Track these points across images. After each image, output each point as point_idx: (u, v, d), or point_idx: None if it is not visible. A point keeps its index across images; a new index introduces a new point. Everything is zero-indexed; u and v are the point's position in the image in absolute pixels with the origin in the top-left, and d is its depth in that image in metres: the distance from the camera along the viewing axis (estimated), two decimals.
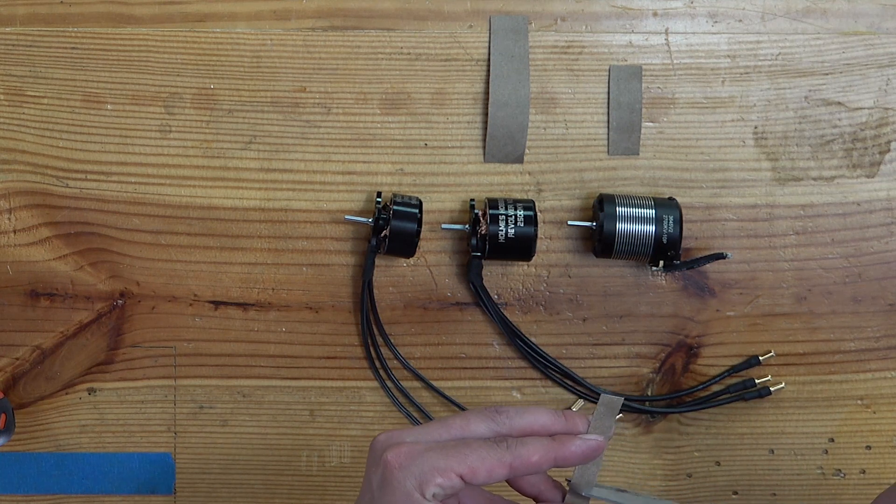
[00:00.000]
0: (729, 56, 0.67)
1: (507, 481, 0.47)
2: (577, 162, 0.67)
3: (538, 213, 0.66)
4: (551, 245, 0.67)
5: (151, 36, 0.66)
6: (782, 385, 0.67)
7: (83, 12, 0.66)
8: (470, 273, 0.66)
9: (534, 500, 0.48)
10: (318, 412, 0.68)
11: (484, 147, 0.67)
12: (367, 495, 0.46)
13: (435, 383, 0.67)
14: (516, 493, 0.48)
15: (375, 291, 0.67)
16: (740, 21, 0.67)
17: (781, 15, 0.67)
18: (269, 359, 0.68)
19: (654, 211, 0.63)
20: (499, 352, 0.68)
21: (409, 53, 0.67)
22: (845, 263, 0.67)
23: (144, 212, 0.67)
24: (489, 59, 0.66)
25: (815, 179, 0.67)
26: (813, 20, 0.67)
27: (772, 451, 0.68)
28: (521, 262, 0.67)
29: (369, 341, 0.67)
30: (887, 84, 0.67)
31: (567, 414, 0.47)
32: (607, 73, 0.67)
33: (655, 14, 0.67)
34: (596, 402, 0.67)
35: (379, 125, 0.67)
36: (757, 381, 0.67)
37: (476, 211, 0.65)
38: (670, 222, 0.63)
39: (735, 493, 0.69)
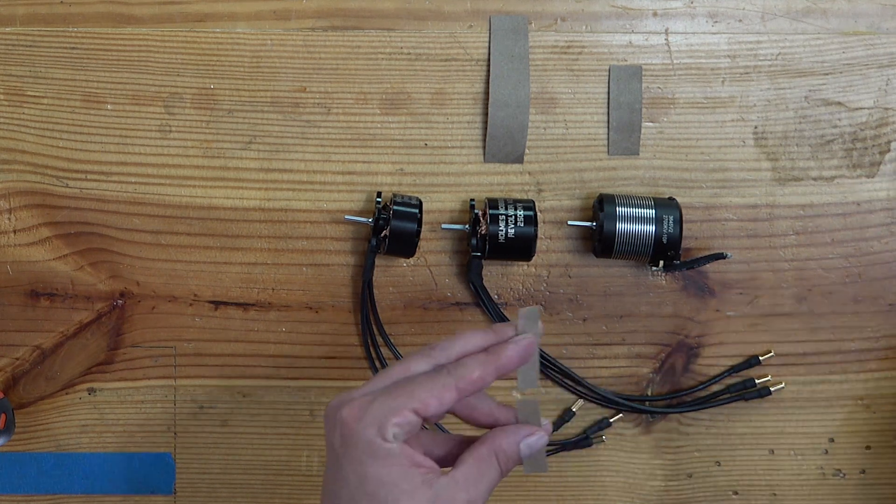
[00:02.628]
0: (729, 56, 0.67)
1: (465, 420, 0.49)
2: (577, 162, 0.67)
3: (538, 213, 0.66)
4: (551, 245, 0.67)
5: (151, 36, 0.66)
6: (782, 385, 0.67)
7: (83, 12, 0.66)
8: (470, 273, 0.66)
9: (492, 427, 0.49)
10: (318, 412, 0.68)
11: (484, 147, 0.67)
12: (333, 460, 0.46)
13: None
14: (478, 430, 0.49)
15: (375, 291, 0.67)
16: (740, 21, 0.67)
17: (781, 15, 0.67)
18: (269, 359, 0.68)
19: (654, 211, 0.63)
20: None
21: (409, 53, 0.67)
22: (845, 263, 0.67)
23: (144, 212, 0.67)
24: (489, 59, 0.66)
25: (815, 179, 0.67)
26: (813, 20, 0.67)
27: (772, 451, 0.68)
28: (521, 262, 0.67)
29: (369, 341, 0.67)
30: (887, 84, 0.67)
31: (494, 327, 0.49)
32: (607, 73, 0.67)
33: (655, 14, 0.67)
34: (597, 404, 0.68)
35: (379, 125, 0.67)
36: (757, 381, 0.67)
37: (476, 211, 0.65)
38: (670, 222, 0.63)
39: (735, 493, 0.69)
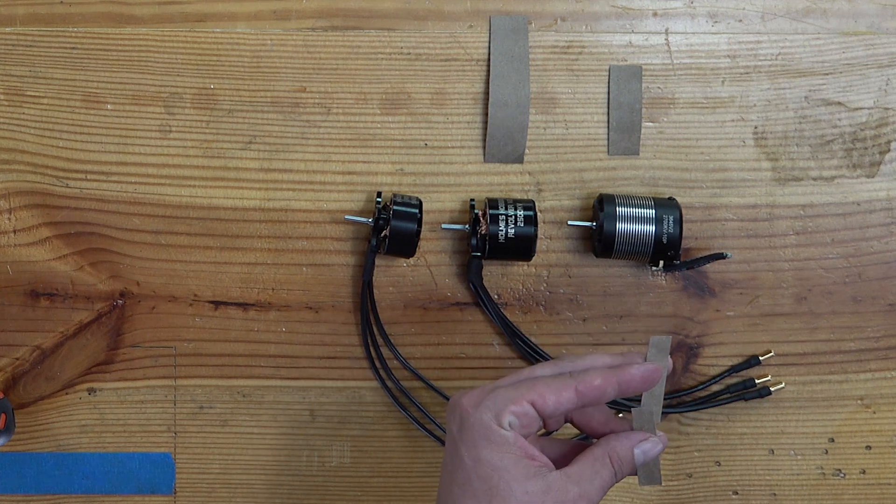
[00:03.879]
0: (729, 56, 0.67)
1: (581, 429, 0.50)
2: (577, 162, 0.67)
3: (538, 213, 0.66)
4: (551, 245, 0.67)
5: (151, 36, 0.66)
6: (782, 385, 0.67)
7: (83, 12, 0.66)
8: (470, 273, 0.66)
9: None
10: (318, 412, 0.68)
11: (484, 147, 0.67)
12: (451, 446, 0.48)
13: (435, 383, 0.67)
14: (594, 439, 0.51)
15: (375, 291, 0.67)
16: (740, 21, 0.67)
17: (781, 15, 0.67)
18: (269, 359, 0.68)
19: (654, 211, 0.63)
20: (499, 352, 0.68)
21: (409, 53, 0.67)
22: (845, 263, 0.67)
23: (144, 212, 0.67)
24: (489, 59, 0.66)
25: (815, 179, 0.67)
26: (813, 20, 0.67)
27: (772, 451, 0.68)
28: (521, 262, 0.67)
29: (369, 341, 0.67)
30: (887, 84, 0.67)
31: (624, 353, 0.50)
32: (607, 73, 0.67)
33: (655, 14, 0.67)
34: None
35: (379, 125, 0.67)
36: (757, 381, 0.67)
37: (476, 211, 0.65)
38: (670, 222, 0.63)
39: (735, 493, 0.69)
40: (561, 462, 0.49)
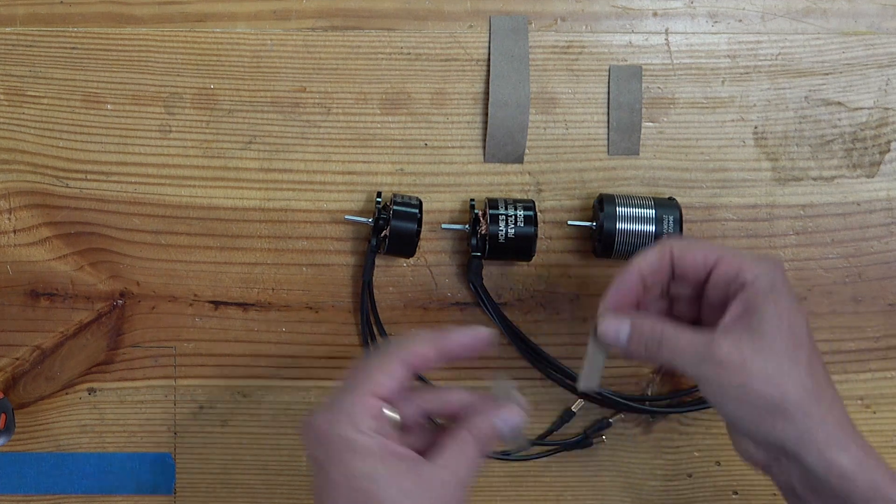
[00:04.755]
0: (729, 56, 0.67)
1: (446, 417, 0.51)
2: (577, 162, 0.67)
3: (538, 213, 0.66)
4: (551, 245, 0.67)
5: (151, 36, 0.66)
6: None
7: (83, 12, 0.66)
8: (470, 273, 0.66)
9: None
10: None
11: (484, 147, 0.67)
12: (318, 471, 0.48)
13: (435, 383, 0.67)
14: None
15: (375, 291, 0.67)
16: (740, 21, 0.67)
17: (781, 15, 0.67)
18: (269, 359, 0.68)
19: (654, 211, 0.63)
20: (499, 352, 0.68)
21: (409, 53, 0.67)
22: (845, 263, 0.67)
23: (144, 212, 0.67)
24: (489, 59, 0.66)
25: (815, 179, 0.67)
26: (813, 20, 0.67)
27: None
28: (521, 262, 0.67)
29: (369, 341, 0.67)
30: (887, 84, 0.67)
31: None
32: (607, 73, 0.67)
33: (655, 14, 0.67)
34: (597, 404, 0.68)
35: (379, 125, 0.67)
36: None
37: (476, 211, 0.65)
38: (670, 222, 0.63)
39: (735, 493, 0.69)
40: (428, 450, 0.49)
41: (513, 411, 0.50)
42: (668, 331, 0.51)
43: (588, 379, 0.55)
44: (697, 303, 0.54)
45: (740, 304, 0.51)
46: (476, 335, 0.51)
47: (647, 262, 0.53)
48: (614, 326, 0.53)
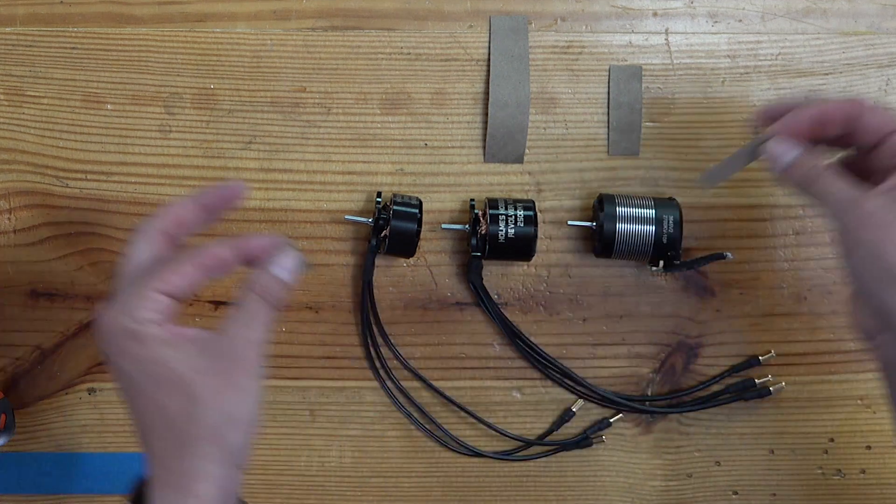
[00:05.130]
0: (729, 56, 0.67)
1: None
2: (577, 162, 0.67)
3: (538, 213, 0.66)
4: (551, 245, 0.67)
5: (151, 36, 0.66)
6: (782, 385, 0.67)
7: (83, 12, 0.66)
8: (470, 273, 0.66)
9: None
10: (318, 412, 0.68)
11: (484, 147, 0.67)
12: (112, 370, 0.47)
13: (435, 383, 0.67)
14: None
15: (375, 291, 0.67)
16: (740, 21, 0.67)
17: (781, 15, 0.67)
18: (270, 359, 0.68)
19: (654, 211, 0.63)
20: (499, 352, 0.68)
21: (409, 53, 0.67)
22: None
23: (144, 212, 0.67)
24: (489, 59, 0.66)
25: None
26: (813, 20, 0.67)
27: (772, 451, 0.68)
28: (521, 262, 0.67)
29: (369, 341, 0.67)
30: (887, 84, 0.67)
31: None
32: (607, 73, 0.67)
33: (655, 14, 0.67)
34: (597, 404, 0.68)
35: (379, 125, 0.67)
36: (757, 381, 0.67)
37: (476, 211, 0.65)
38: (670, 222, 0.63)
39: (735, 493, 0.69)
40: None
41: (287, 254, 0.50)
42: (830, 171, 0.53)
43: (713, 176, 0.56)
44: (856, 169, 0.55)
45: None
46: (273, 238, 0.50)
47: (835, 104, 0.54)
48: (785, 147, 0.54)
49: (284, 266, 0.50)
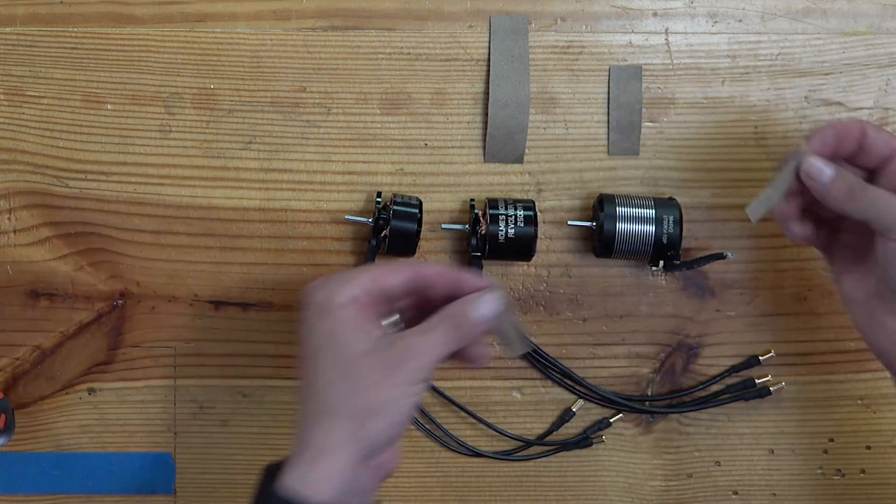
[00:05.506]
0: (729, 56, 0.67)
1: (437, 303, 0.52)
2: (577, 162, 0.67)
3: (538, 213, 0.66)
4: (551, 245, 0.67)
5: (151, 36, 0.66)
6: (782, 385, 0.67)
7: (83, 12, 0.66)
8: None
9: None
10: None
11: (484, 147, 0.67)
12: (302, 332, 0.50)
13: (435, 383, 0.67)
14: None
15: None
16: (740, 21, 0.67)
17: (781, 15, 0.67)
18: (269, 359, 0.68)
19: (654, 211, 0.63)
20: (499, 352, 0.68)
21: (409, 53, 0.67)
22: None
23: (144, 212, 0.67)
24: (489, 59, 0.66)
25: None
26: (813, 20, 0.67)
27: (772, 451, 0.68)
28: (521, 262, 0.67)
29: None
30: (887, 84, 0.67)
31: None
32: (607, 73, 0.67)
33: (655, 14, 0.67)
34: (597, 404, 0.68)
35: (379, 125, 0.67)
36: (757, 381, 0.67)
37: (476, 211, 0.65)
38: (670, 222, 0.63)
39: (735, 493, 0.69)
40: None
41: (491, 302, 0.51)
42: (877, 189, 0.53)
43: (758, 206, 0.56)
44: None
45: None
46: (491, 285, 0.52)
47: (846, 121, 0.55)
48: (821, 164, 0.54)
49: (485, 312, 0.51)
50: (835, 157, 0.55)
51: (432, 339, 0.50)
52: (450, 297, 0.51)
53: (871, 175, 0.56)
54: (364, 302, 0.50)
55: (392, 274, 0.51)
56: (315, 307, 0.50)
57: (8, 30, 0.66)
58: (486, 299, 0.51)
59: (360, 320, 0.49)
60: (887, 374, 0.68)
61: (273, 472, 0.49)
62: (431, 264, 0.53)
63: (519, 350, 0.53)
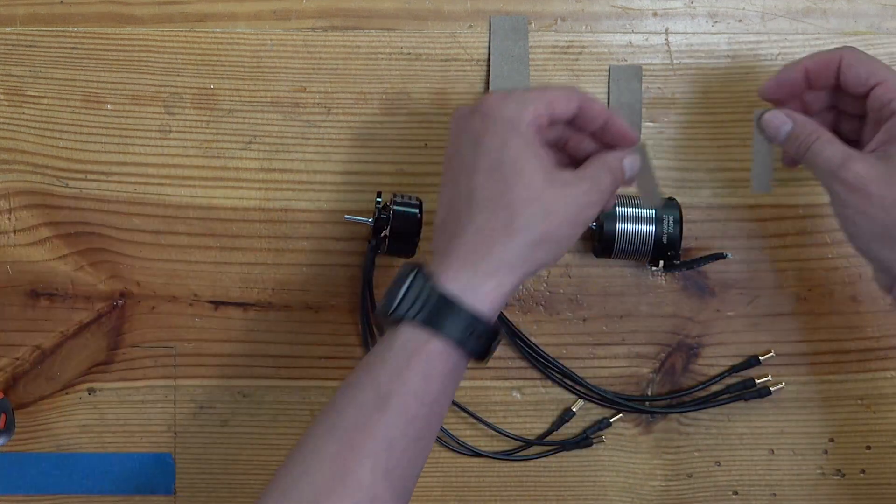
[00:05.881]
0: (729, 56, 0.67)
1: (575, 157, 0.56)
2: None
3: None
4: None
5: (151, 36, 0.66)
6: (782, 385, 0.67)
7: (83, 12, 0.66)
8: None
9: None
10: (318, 412, 0.68)
11: None
12: (469, 141, 0.52)
13: None
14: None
15: (375, 291, 0.67)
16: (740, 21, 0.67)
17: (781, 15, 0.67)
18: (269, 359, 0.68)
19: (654, 211, 0.63)
20: (499, 352, 0.67)
21: (409, 53, 0.67)
22: (845, 263, 0.67)
23: (144, 212, 0.67)
24: (489, 59, 0.66)
25: (815, 179, 0.67)
26: (813, 20, 0.67)
27: (772, 451, 0.68)
28: None
29: (369, 341, 0.67)
30: None
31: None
32: (607, 73, 0.67)
33: (655, 14, 0.67)
34: (597, 404, 0.68)
35: (379, 125, 0.67)
36: (757, 381, 0.67)
37: None
38: (670, 222, 0.63)
39: (735, 493, 0.69)
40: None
41: (635, 161, 0.55)
42: (822, 140, 0.55)
43: (760, 179, 0.59)
44: (861, 123, 0.57)
45: (886, 131, 0.54)
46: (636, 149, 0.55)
47: (814, 59, 0.57)
48: (779, 121, 0.57)
49: (633, 166, 0.55)
50: (816, 98, 0.58)
51: (599, 185, 0.53)
52: (595, 135, 0.55)
53: (860, 100, 0.57)
54: (541, 125, 0.51)
55: (565, 101, 0.52)
56: (503, 122, 0.51)
57: (8, 30, 0.66)
58: (635, 155, 0.55)
59: (540, 144, 0.51)
60: (887, 374, 0.68)
61: (417, 270, 0.50)
62: (593, 98, 0.54)
63: (657, 202, 0.58)
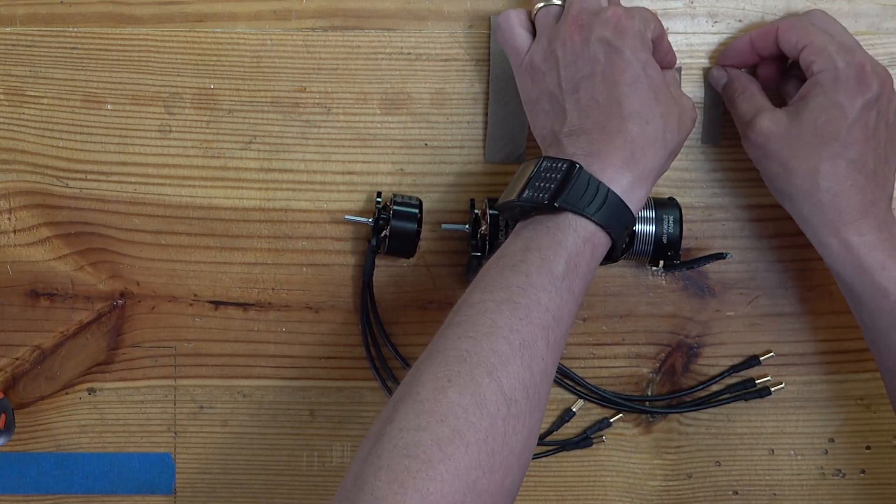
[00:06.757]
0: None
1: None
2: None
3: None
4: None
5: (151, 36, 0.66)
6: (782, 385, 0.67)
7: (83, 12, 0.66)
8: (470, 273, 0.65)
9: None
10: (318, 412, 0.68)
11: (484, 147, 0.67)
12: (609, 52, 0.55)
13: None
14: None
15: (375, 291, 0.67)
16: (740, 21, 0.67)
17: (781, 15, 0.67)
18: (269, 359, 0.68)
19: (653, 211, 0.63)
20: None
21: (409, 53, 0.67)
22: None
23: (144, 212, 0.67)
24: (489, 59, 0.66)
25: None
26: None
27: (772, 451, 0.68)
28: None
29: (369, 341, 0.67)
30: None
31: None
32: None
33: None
34: (597, 404, 0.68)
35: (379, 125, 0.67)
36: (757, 381, 0.67)
37: (476, 211, 0.65)
38: (670, 222, 0.63)
39: (735, 493, 0.69)
40: None
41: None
42: (745, 93, 0.61)
43: (710, 132, 0.66)
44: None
45: (803, 89, 0.59)
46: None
47: (756, 32, 0.62)
48: (718, 74, 0.64)
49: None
50: (767, 62, 0.63)
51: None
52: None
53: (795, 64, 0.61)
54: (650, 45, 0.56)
55: (659, 22, 0.58)
56: (637, 36, 0.55)
57: (8, 30, 0.66)
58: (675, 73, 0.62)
59: (652, 59, 0.56)
60: None
61: (577, 165, 0.52)
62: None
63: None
